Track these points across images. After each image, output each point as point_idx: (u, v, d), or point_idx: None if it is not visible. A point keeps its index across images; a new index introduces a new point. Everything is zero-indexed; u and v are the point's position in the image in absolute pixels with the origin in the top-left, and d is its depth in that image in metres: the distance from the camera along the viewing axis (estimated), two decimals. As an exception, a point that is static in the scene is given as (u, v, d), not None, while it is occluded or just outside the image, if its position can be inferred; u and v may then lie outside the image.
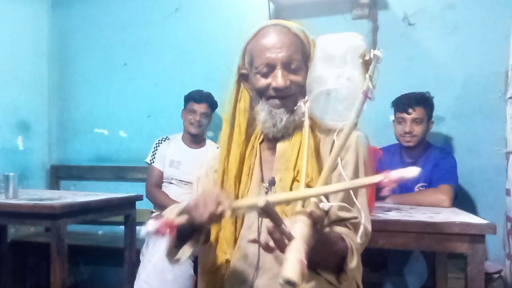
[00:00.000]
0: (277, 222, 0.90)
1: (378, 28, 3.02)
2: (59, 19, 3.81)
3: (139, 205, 2.83)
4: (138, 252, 2.76)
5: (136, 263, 2.69)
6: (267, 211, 0.89)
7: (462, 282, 2.34)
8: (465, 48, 2.90)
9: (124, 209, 2.74)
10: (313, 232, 0.92)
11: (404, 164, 2.62)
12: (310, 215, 0.93)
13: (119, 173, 3.60)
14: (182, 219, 1.08)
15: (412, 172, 0.86)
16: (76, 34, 3.77)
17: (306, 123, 1.20)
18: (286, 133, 1.28)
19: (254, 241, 1.16)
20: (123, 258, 2.75)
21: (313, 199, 0.96)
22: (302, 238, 0.88)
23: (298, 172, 1.23)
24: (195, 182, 1.48)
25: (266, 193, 1.29)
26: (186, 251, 1.15)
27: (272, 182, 1.28)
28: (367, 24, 3.01)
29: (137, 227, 2.87)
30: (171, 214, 1.14)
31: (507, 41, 2.41)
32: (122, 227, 2.80)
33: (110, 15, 3.67)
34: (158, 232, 1.02)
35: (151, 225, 1.02)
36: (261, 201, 0.88)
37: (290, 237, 0.88)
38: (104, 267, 3.59)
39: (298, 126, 1.27)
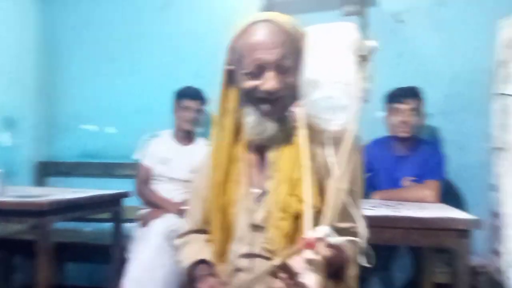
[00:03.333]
0: (293, 275, 0.92)
1: (368, 25, 3.04)
2: (46, 14, 3.76)
3: (127, 201, 2.82)
4: (125, 249, 2.75)
5: (123, 260, 2.68)
6: (283, 267, 0.91)
7: (448, 277, 2.37)
8: (454, 45, 2.93)
9: (112, 206, 2.73)
10: (326, 272, 0.95)
11: (394, 158, 2.63)
12: (323, 257, 0.94)
13: (107, 170, 3.57)
14: None
15: (322, 231, 0.94)
16: (64, 28, 3.73)
17: (303, 133, 1.14)
18: (273, 141, 1.23)
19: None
20: (111, 255, 2.74)
21: (322, 234, 0.96)
22: (317, 287, 0.91)
23: (294, 185, 1.18)
24: (193, 193, 1.45)
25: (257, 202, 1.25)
26: None
27: (264, 192, 1.24)
28: (357, 20, 3.02)
29: (125, 224, 2.86)
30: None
31: (494, 38, 2.42)
32: (110, 224, 2.79)
33: (99, 10, 3.64)
34: None
35: None
36: (276, 260, 0.91)
37: None
38: (91, 264, 3.56)
39: (289, 133, 1.22)
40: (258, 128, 1.22)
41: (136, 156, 3.04)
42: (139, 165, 3.02)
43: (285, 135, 1.22)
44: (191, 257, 1.33)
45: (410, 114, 2.54)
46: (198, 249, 1.35)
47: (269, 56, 1.16)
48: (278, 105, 1.20)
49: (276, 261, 0.90)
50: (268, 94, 1.18)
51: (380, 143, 2.71)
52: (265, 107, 1.20)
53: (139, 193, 3.00)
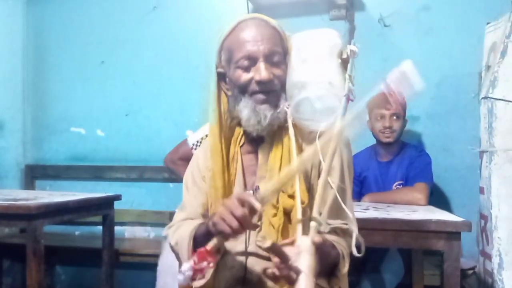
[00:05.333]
0: (284, 259, 0.93)
1: (355, 29, 3.07)
2: (34, 16, 3.73)
3: (117, 205, 2.80)
4: (116, 253, 2.73)
5: (114, 264, 2.66)
6: (274, 250, 0.92)
7: (437, 279, 2.39)
8: (440, 49, 2.95)
9: (102, 209, 2.71)
10: (317, 259, 0.96)
11: (379, 165, 2.67)
12: (313, 242, 0.96)
13: (97, 173, 3.55)
14: (213, 243, 1.04)
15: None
16: (52, 31, 3.70)
17: (291, 132, 1.18)
18: (270, 131, 1.26)
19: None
20: (101, 259, 2.72)
21: (312, 224, 0.98)
22: (309, 270, 0.93)
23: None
24: (185, 190, 1.42)
25: None
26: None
27: (257, 191, 1.25)
28: (344, 25, 3.05)
29: (115, 227, 2.84)
30: (187, 241, 1.20)
31: (480, 42, 2.46)
32: (100, 227, 2.77)
33: (87, 12, 3.61)
34: (197, 271, 0.98)
35: (187, 266, 0.98)
36: (266, 242, 0.91)
37: (298, 271, 0.92)
38: (82, 268, 3.53)
39: (279, 129, 1.26)
40: (255, 118, 1.24)
41: (190, 140, 2.64)
42: (186, 143, 2.65)
43: (275, 132, 1.26)
44: (190, 229, 1.26)
45: (393, 119, 2.57)
46: (195, 225, 1.29)
47: (259, 47, 1.21)
48: (271, 95, 1.24)
49: (267, 243, 0.92)
50: (261, 85, 1.22)
51: (366, 152, 2.75)
52: (260, 96, 1.23)
53: (172, 164, 2.68)
